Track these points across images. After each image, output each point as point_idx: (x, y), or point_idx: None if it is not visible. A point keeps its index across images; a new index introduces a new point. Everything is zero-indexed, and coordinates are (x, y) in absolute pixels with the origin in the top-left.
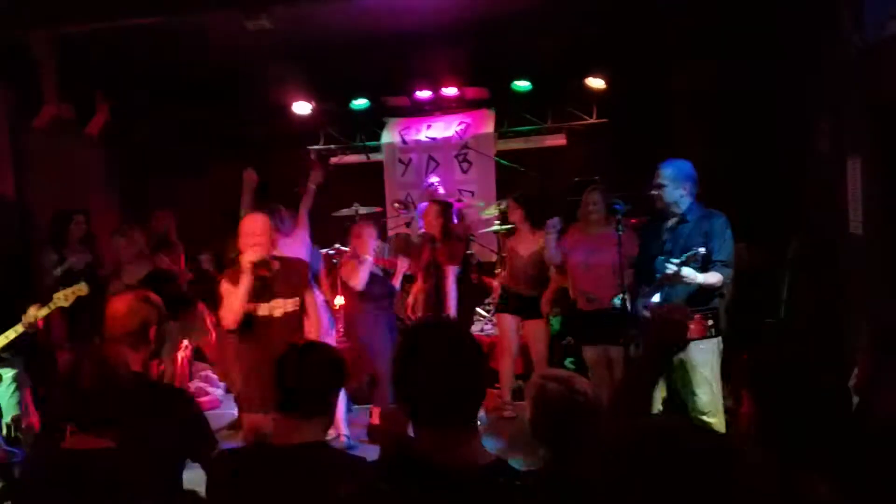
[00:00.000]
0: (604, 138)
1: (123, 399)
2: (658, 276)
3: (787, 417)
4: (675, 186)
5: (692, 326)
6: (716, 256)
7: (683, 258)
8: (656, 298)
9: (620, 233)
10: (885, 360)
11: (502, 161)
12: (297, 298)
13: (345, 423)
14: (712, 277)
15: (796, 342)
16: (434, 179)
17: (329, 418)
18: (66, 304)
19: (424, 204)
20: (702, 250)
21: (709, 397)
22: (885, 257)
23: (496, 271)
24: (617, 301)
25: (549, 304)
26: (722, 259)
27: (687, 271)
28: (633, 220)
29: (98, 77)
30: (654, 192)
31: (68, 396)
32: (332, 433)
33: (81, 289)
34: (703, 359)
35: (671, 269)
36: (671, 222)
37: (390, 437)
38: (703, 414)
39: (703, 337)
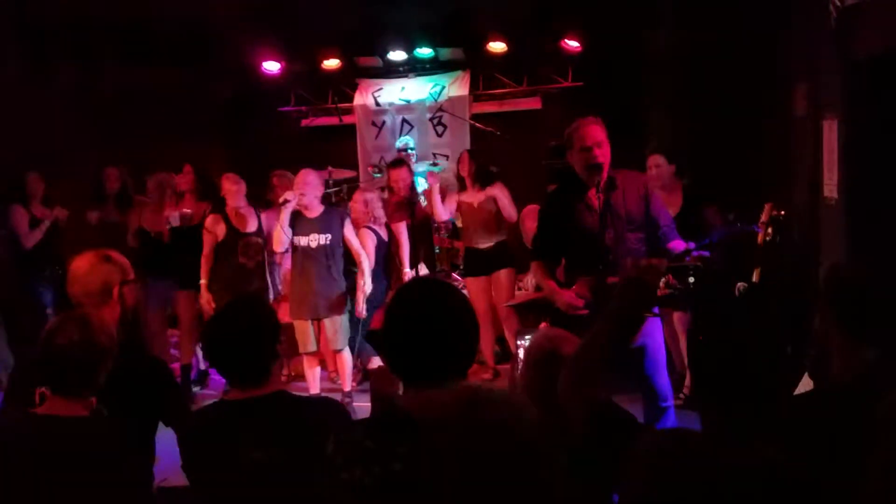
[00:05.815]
0: (579, 101)
1: (105, 364)
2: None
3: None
4: (608, 144)
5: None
6: (665, 220)
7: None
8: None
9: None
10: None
11: (477, 124)
12: None
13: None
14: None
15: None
16: (406, 139)
17: (278, 367)
18: None
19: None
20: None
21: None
22: (860, 220)
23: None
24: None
25: None
26: (670, 223)
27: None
28: None
29: (64, 32)
30: (595, 152)
31: (47, 358)
32: None
33: None
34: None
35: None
36: (600, 189)
37: (381, 395)
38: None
39: (668, 297)
